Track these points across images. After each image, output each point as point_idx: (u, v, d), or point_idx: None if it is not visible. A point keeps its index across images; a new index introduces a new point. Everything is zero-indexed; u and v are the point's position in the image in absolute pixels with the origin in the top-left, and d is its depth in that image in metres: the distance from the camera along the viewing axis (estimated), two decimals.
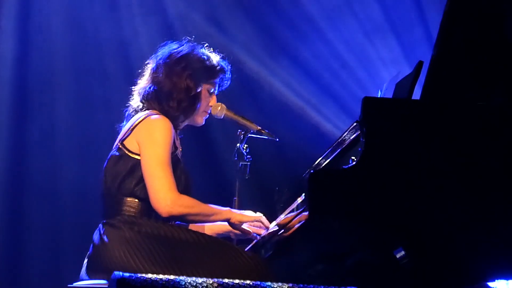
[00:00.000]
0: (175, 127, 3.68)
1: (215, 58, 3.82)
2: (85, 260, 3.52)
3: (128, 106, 3.80)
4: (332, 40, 5.90)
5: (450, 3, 3.16)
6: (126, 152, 3.56)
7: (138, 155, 3.53)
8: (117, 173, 3.54)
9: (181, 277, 2.61)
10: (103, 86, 5.70)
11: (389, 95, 3.59)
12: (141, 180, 3.51)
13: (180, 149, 3.71)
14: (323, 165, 3.66)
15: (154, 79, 3.74)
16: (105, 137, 4.18)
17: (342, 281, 3.20)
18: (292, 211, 3.40)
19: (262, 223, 3.68)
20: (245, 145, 3.96)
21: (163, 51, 3.79)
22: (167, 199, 3.43)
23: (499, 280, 3.76)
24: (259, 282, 2.65)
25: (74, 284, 3.46)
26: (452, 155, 3.05)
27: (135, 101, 3.78)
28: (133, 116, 3.72)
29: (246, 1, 5.93)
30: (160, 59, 3.76)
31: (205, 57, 3.79)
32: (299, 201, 3.33)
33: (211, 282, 2.60)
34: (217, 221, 3.65)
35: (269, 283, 2.65)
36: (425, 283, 3.05)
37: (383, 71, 5.80)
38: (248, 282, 2.63)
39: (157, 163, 3.47)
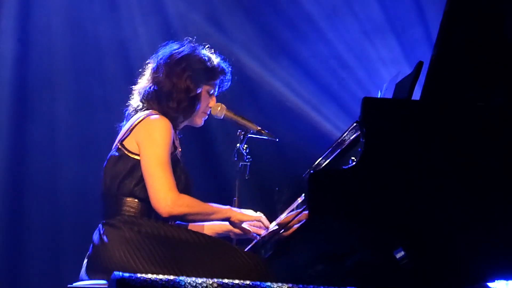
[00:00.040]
0: (174, 127, 3.68)
1: (215, 59, 3.82)
2: (85, 260, 3.52)
3: (128, 106, 3.80)
4: (332, 40, 5.90)
5: (450, 3, 3.16)
6: (126, 152, 3.56)
7: (138, 155, 3.53)
8: (117, 173, 3.54)
9: (181, 277, 2.60)
10: (103, 86, 5.70)
11: (389, 95, 3.58)
12: (140, 180, 3.51)
13: (179, 149, 3.71)
14: (323, 165, 3.66)
15: (154, 79, 3.74)
16: (105, 137, 4.18)
17: (342, 281, 3.20)
18: (292, 211, 3.39)
19: (262, 223, 3.68)
20: (245, 145, 3.96)
21: (164, 51, 3.79)
22: (167, 199, 3.43)
23: (499, 281, 3.76)
24: (259, 282, 2.64)
25: (74, 284, 3.46)
26: (452, 155, 3.05)
27: (135, 100, 3.78)
28: (133, 116, 3.72)
29: (246, 1, 5.92)
30: (160, 59, 3.76)
31: (206, 58, 3.79)
32: (299, 201, 3.33)
33: (211, 282, 2.60)
34: (217, 220, 3.65)
35: (269, 283, 2.65)
36: (425, 283, 3.04)
37: (383, 71, 5.80)
38: (248, 282, 2.63)
39: (157, 163, 3.47)
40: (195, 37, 3.89)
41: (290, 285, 2.68)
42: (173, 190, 3.45)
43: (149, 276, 2.58)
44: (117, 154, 3.58)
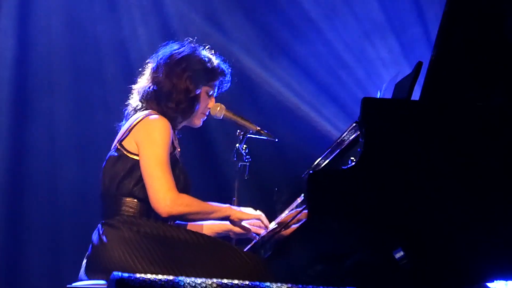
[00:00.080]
0: (173, 127, 3.68)
1: (216, 60, 3.82)
2: (84, 260, 3.52)
3: (127, 105, 3.80)
4: (332, 40, 5.89)
5: (450, 3, 3.16)
6: (125, 152, 3.56)
7: (137, 155, 3.53)
8: (116, 173, 3.53)
9: (180, 278, 2.60)
10: (102, 86, 5.70)
11: (389, 95, 3.58)
12: (140, 180, 3.51)
13: (178, 149, 3.71)
14: (322, 165, 3.66)
15: (154, 79, 3.74)
16: (104, 137, 4.17)
17: (341, 282, 3.20)
18: (292, 211, 3.39)
19: (262, 221, 3.67)
20: (244, 146, 3.96)
21: (164, 51, 3.79)
22: (167, 199, 3.43)
23: (498, 281, 3.75)
24: (258, 283, 2.64)
25: (73, 284, 3.46)
26: (452, 156, 3.05)
27: (134, 99, 3.78)
28: (132, 115, 3.72)
29: (246, 1, 5.92)
30: (161, 59, 3.76)
31: (206, 59, 3.78)
32: (298, 202, 3.33)
33: (210, 282, 2.59)
34: (217, 218, 3.65)
35: (268, 284, 2.65)
36: (424, 283, 3.04)
37: (382, 71, 5.79)
38: (247, 282, 2.63)
39: (156, 163, 3.46)
40: (195, 37, 3.89)
41: (290, 285, 2.67)
42: (172, 190, 3.45)
43: (148, 276, 2.58)
44: (116, 154, 3.58)
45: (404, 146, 3.04)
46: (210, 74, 3.78)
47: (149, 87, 3.72)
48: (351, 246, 3.25)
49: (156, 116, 3.61)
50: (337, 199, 2.97)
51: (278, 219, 3.66)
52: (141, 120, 3.59)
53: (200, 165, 5.56)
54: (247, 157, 3.95)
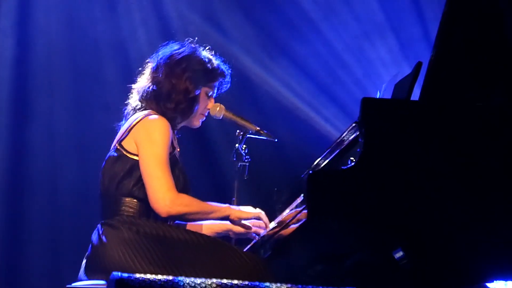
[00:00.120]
0: (173, 127, 3.68)
1: (216, 61, 3.81)
2: (84, 261, 3.52)
3: (127, 105, 3.80)
4: (331, 40, 5.89)
5: (450, 3, 3.16)
6: (124, 152, 3.55)
7: (136, 155, 3.53)
8: (115, 173, 3.53)
9: (180, 278, 2.60)
10: (102, 86, 5.69)
11: (388, 95, 3.58)
12: (139, 181, 3.51)
13: (178, 149, 3.70)
14: (322, 165, 3.66)
15: (153, 79, 3.73)
16: (104, 137, 4.17)
17: (341, 282, 3.20)
18: (291, 211, 3.39)
19: (262, 219, 3.67)
20: (244, 146, 3.96)
21: (164, 51, 3.79)
22: (166, 199, 3.43)
23: (498, 281, 3.75)
24: (258, 283, 2.64)
25: (72, 284, 3.46)
26: (451, 156, 3.04)
27: (134, 99, 3.78)
28: (132, 115, 3.71)
29: (246, 1, 5.92)
30: (161, 59, 3.76)
31: (206, 59, 3.78)
32: (298, 202, 3.33)
33: (209, 282, 2.59)
34: (216, 218, 3.64)
35: (268, 284, 2.65)
36: (424, 283, 3.04)
37: (382, 71, 5.79)
38: (246, 282, 2.63)
39: (156, 163, 3.46)
40: (195, 38, 3.88)
41: (289, 285, 2.67)
42: (172, 190, 3.45)
43: (148, 276, 2.58)
44: (115, 154, 3.57)
45: (404, 146, 3.04)
46: (210, 75, 3.78)
47: (149, 87, 3.72)
48: (351, 246, 3.25)
49: (155, 116, 3.61)
50: (336, 199, 2.97)
51: (278, 219, 3.66)
52: (140, 120, 3.59)
53: (200, 165, 5.56)
54: (246, 157, 3.95)
